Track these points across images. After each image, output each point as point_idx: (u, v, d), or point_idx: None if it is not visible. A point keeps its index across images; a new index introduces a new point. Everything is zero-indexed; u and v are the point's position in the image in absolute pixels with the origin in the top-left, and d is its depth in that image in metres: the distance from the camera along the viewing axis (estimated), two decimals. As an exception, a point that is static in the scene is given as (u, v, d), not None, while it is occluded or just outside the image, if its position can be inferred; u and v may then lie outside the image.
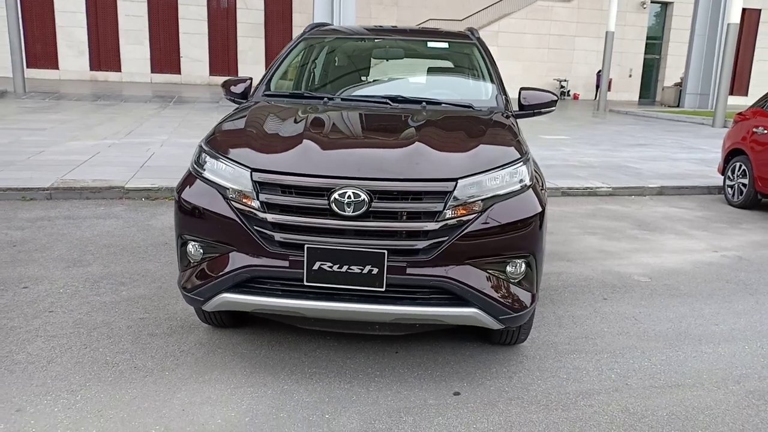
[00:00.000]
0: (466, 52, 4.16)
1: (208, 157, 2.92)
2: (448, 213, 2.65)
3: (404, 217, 2.65)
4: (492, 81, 3.87)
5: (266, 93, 3.78)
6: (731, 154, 7.63)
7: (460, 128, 3.18)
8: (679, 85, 25.21)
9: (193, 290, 2.84)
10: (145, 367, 3.00)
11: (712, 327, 3.74)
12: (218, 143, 2.97)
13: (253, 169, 2.73)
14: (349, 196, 2.60)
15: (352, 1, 18.67)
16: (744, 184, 7.27)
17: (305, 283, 2.66)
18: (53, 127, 11.02)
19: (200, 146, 3.02)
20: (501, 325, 2.79)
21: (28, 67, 26.22)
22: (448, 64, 4.31)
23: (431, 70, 4.21)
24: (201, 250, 2.87)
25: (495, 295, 2.71)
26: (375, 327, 2.90)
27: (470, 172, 2.72)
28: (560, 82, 27.87)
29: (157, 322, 3.51)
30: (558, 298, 4.09)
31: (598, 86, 24.95)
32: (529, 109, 3.73)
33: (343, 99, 3.64)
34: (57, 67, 26.72)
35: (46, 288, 3.94)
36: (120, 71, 26.96)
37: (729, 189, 7.59)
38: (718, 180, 8.24)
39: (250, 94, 3.84)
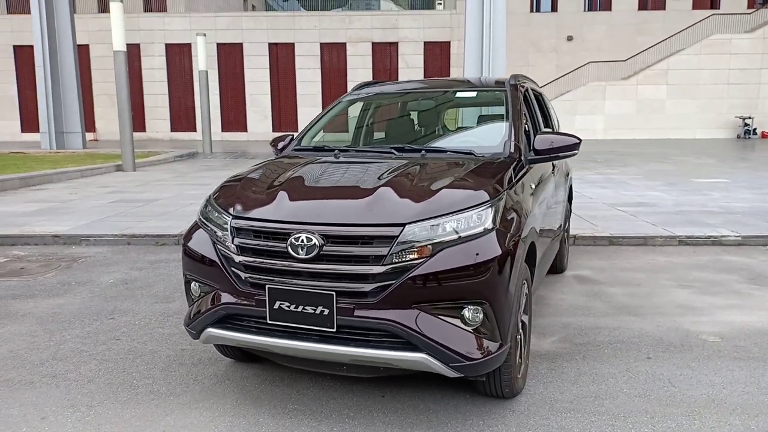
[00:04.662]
0: (493, 100, 4.16)
1: (209, 207, 3.30)
2: (395, 257, 2.71)
3: (352, 261, 2.76)
4: (509, 127, 3.81)
5: (296, 148, 4.14)
6: None
7: (435, 174, 3.21)
8: None
9: (189, 324, 3.20)
10: (159, 391, 3.40)
11: (761, 397, 3.20)
12: (218, 196, 3.35)
13: (233, 216, 3.05)
14: (302, 240, 2.79)
15: (502, 54, 18.66)
16: None
17: (268, 321, 2.87)
18: (216, 182, 12.59)
19: (206, 198, 3.42)
20: (456, 373, 2.73)
21: (223, 131, 30.20)
22: (474, 112, 4.33)
23: (451, 120, 4.27)
24: (199, 289, 3.22)
25: (444, 341, 2.68)
26: (342, 368, 3.00)
27: (421, 217, 2.76)
28: (743, 119, 25.05)
29: (193, 353, 3.93)
30: (593, 354, 3.79)
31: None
32: (543, 154, 3.62)
33: (357, 151, 3.86)
34: (246, 130, 30.38)
35: (127, 320, 4.60)
36: (297, 131, 29.89)
37: None
38: None
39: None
